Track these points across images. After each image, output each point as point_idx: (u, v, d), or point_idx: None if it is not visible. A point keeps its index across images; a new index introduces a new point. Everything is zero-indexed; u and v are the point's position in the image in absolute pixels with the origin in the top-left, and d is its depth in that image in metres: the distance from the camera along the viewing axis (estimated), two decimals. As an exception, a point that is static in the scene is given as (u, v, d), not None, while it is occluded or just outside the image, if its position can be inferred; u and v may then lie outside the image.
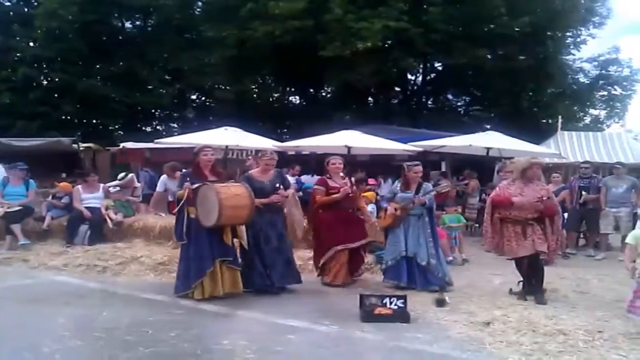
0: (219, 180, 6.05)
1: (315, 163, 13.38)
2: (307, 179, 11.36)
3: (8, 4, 23.79)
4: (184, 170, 6.86)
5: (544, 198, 6.06)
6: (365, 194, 9.75)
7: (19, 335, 4.64)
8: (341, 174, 7.06)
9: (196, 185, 5.85)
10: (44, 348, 4.29)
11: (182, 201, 5.96)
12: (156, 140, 13.15)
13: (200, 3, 24.47)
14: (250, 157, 6.64)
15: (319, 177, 8.06)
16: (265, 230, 6.32)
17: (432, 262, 6.56)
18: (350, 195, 6.84)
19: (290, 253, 6.62)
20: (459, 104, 26.20)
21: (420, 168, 6.90)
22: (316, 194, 6.92)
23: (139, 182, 10.56)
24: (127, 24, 25.84)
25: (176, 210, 6.16)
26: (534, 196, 6.04)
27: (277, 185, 6.45)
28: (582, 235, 10.36)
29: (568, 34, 21.50)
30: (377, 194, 10.40)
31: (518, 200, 6.01)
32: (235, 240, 6.19)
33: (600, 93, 24.51)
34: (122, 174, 10.34)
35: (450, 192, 9.81)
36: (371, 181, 10.96)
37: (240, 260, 6.22)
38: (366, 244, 7.06)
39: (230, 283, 5.98)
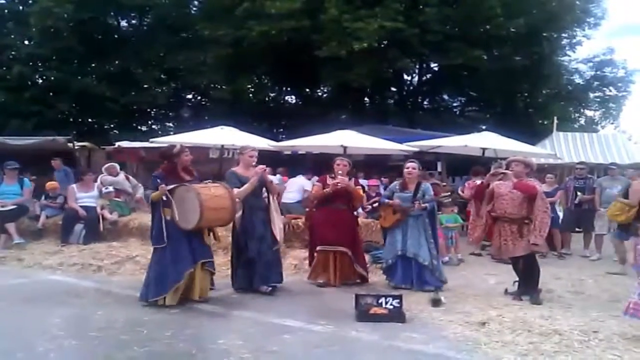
0: (193, 181, 5.80)
1: (312, 163, 13.37)
2: (301, 179, 11.12)
3: (3, 1, 23.59)
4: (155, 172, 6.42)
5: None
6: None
7: (13, 334, 4.62)
8: (340, 173, 6.77)
9: (173, 186, 5.58)
10: (39, 347, 4.28)
11: (156, 203, 5.69)
12: (151, 140, 13.08)
13: (196, 2, 24.38)
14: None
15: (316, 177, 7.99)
16: (258, 228, 6.23)
17: (434, 262, 6.61)
18: (339, 188, 6.61)
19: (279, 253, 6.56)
20: (454, 104, 26.20)
21: (412, 165, 6.83)
22: (314, 190, 6.85)
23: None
24: (123, 23, 25.69)
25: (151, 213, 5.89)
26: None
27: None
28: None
29: (563, 35, 21.51)
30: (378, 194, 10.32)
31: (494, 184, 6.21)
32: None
33: (595, 94, 24.60)
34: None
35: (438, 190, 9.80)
36: (372, 182, 10.88)
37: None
38: (359, 252, 6.91)
39: (203, 287, 5.75)
